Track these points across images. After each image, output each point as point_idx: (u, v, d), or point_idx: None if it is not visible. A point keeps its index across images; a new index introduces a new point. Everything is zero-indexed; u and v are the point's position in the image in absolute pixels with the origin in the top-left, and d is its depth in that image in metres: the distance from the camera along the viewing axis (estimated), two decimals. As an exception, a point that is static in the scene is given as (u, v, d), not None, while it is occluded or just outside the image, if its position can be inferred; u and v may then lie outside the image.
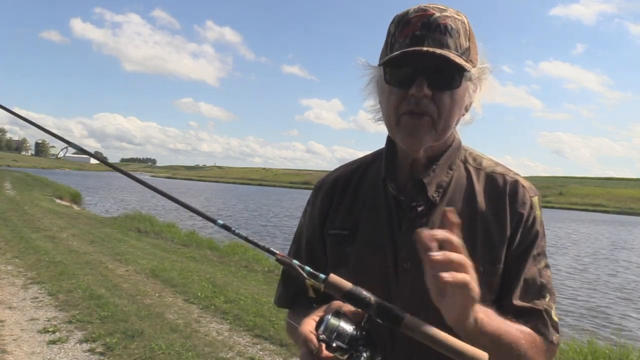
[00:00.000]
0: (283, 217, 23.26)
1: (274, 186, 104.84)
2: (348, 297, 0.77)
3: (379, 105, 0.98)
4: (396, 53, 0.85)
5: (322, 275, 0.78)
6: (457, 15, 0.89)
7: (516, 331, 0.84)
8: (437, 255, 0.65)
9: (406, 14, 0.90)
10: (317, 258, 1.05)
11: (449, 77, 0.87)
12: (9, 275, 6.13)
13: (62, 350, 3.82)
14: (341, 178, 1.07)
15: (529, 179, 1.00)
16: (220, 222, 0.83)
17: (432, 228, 0.92)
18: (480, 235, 0.92)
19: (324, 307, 0.83)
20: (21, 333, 4.15)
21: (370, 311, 0.76)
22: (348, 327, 0.76)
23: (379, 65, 0.91)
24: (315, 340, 0.76)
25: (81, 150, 0.95)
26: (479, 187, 0.96)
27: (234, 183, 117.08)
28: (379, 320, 0.76)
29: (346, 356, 0.75)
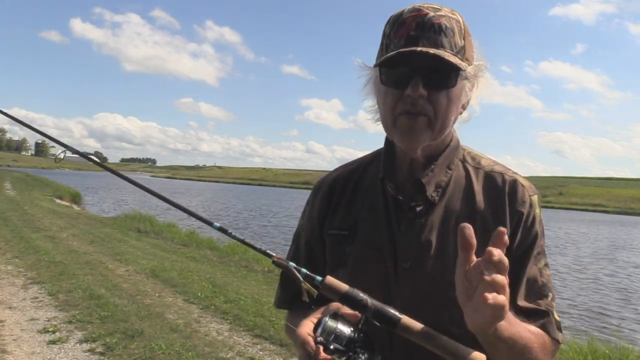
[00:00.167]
0: (283, 217, 23.25)
1: (274, 186, 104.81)
2: (344, 299, 0.77)
3: (377, 106, 0.98)
4: (391, 54, 0.85)
5: (319, 278, 0.78)
6: (452, 14, 0.89)
7: (529, 334, 0.84)
8: (488, 277, 0.66)
9: (401, 14, 0.90)
10: (316, 258, 1.05)
11: (445, 77, 0.87)
12: (9, 275, 6.13)
13: (62, 350, 3.82)
14: (340, 178, 1.07)
15: (529, 179, 1.00)
16: (217, 224, 0.83)
17: (431, 228, 0.92)
18: (479, 235, 0.91)
19: (322, 309, 0.83)
20: (21, 333, 4.15)
21: (367, 313, 0.76)
22: (346, 329, 0.76)
23: (374, 66, 0.91)
24: (312, 343, 0.76)
25: (78, 153, 0.95)
26: (478, 187, 0.96)
27: (234, 183, 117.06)
28: (375, 322, 0.76)
29: (344, 358, 0.75)
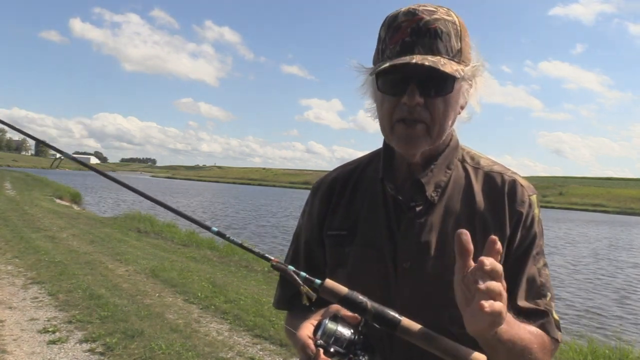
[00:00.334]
0: (282, 217, 23.25)
1: (274, 186, 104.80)
2: (344, 302, 0.77)
3: (375, 106, 0.98)
4: (384, 66, 0.84)
5: (318, 281, 0.78)
6: (448, 16, 0.88)
7: (529, 334, 0.85)
8: (482, 285, 0.66)
9: (396, 17, 0.89)
10: (315, 258, 1.05)
11: (441, 84, 0.86)
12: (9, 275, 6.13)
13: (62, 350, 3.82)
14: (339, 178, 1.07)
15: (529, 178, 1.00)
16: (215, 229, 0.83)
17: (431, 228, 0.92)
18: (479, 235, 0.91)
19: (321, 311, 0.83)
20: (21, 333, 4.15)
21: (367, 316, 0.76)
22: (346, 332, 0.76)
23: (370, 75, 0.91)
24: (312, 345, 0.76)
25: (74, 160, 0.95)
26: (477, 187, 0.96)
27: (233, 183, 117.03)
28: (375, 324, 0.76)
29: None
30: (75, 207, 19.74)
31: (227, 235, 0.83)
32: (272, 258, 0.80)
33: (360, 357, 0.75)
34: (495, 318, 0.68)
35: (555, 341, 0.91)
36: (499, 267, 0.68)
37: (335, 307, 0.80)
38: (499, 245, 0.69)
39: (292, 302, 1.07)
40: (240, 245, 0.83)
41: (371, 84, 0.94)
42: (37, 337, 4.08)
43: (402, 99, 0.86)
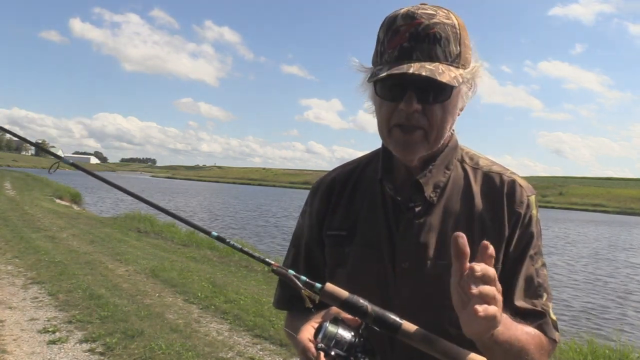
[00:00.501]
0: (282, 217, 23.25)
1: (274, 186, 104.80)
2: (345, 306, 0.77)
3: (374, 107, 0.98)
4: (382, 75, 0.84)
5: (318, 285, 0.78)
6: (447, 19, 0.87)
7: (526, 335, 0.85)
8: (474, 290, 0.66)
9: (395, 20, 0.88)
10: (315, 258, 1.05)
11: (439, 91, 0.85)
12: (9, 275, 6.13)
13: (62, 350, 3.82)
14: (339, 179, 1.07)
15: (529, 178, 1.00)
16: (215, 233, 0.83)
17: (430, 228, 0.93)
18: (478, 235, 0.92)
19: (322, 313, 0.83)
20: (21, 333, 4.15)
21: (368, 320, 0.76)
22: (346, 334, 0.76)
23: (368, 81, 0.90)
24: (313, 349, 0.76)
25: (72, 165, 0.95)
26: (476, 187, 0.96)
27: (233, 183, 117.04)
28: (376, 328, 0.76)
29: None
30: (75, 207, 19.74)
31: (228, 240, 0.84)
32: (273, 262, 0.80)
33: None
34: (490, 322, 0.68)
35: (553, 341, 0.91)
36: (491, 271, 0.68)
37: (336, 309, 0.80)
38: (491, 249, 0.69)
39: (292, 302, 1.07)
40: (241, 250, 0.84)
41: (369, 86, 0.94)
42: (37, 337, 4.08)
43: (399, 105, 0.86)
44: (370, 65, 0.93)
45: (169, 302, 5.36)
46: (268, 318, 4.83)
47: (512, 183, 0.95)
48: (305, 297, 0.78)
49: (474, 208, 0.94)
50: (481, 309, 0.66)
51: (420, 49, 0.84)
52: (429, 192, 0.94)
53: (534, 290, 0.92)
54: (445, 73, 0.82)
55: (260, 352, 4.05)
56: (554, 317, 0.92)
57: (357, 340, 0.76)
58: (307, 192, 1.13)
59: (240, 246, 0.85)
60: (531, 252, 0.93)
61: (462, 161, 1.00)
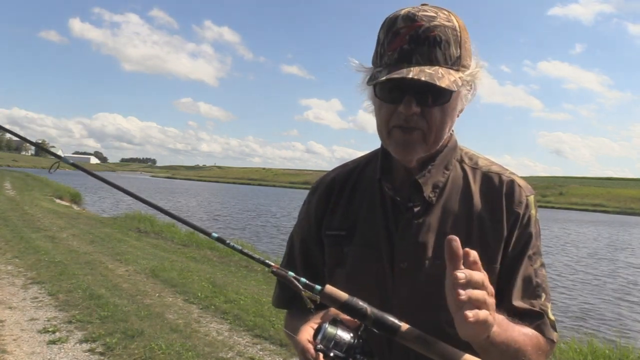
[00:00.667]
0: (282, 217, 23.25)
1: (274, 186, 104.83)
2: (344, 308, 0.78)
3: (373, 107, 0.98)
4: (381, 79, 0.84)
5: (318, 287, 0.79)
6: (448, 21, 0.86)
7: (523, 336, 0.85)
8: (463, 295, 0.67)
9: (395, 21, 0.87)
10: (313, 257, 1.06)
11: (438, 94, 0.85)
12: (9, 275, 6.13)
13: (62, 350, 3.82)
14: (338, 179, 1.07)
15: (529, 179, 1.01)
16: (215, 234, 0.84)
17: (428, 228, 0.93)
18: (476, 235, 0.92)
19: (321, 314, 0.83)
20: (21, 333, 4.15)
21: (367, 322, 0.77)
22: (345, 336, 0.77)
23: (368, 84, 0.90)
24: (312, 350, 0.77)
25: (72, 165, 0.95)
26: (475, 187, 0.96)
27: (233, 183, 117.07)
28: (375, 330, 0.77)
29: None
30: (75, 207, 19.74)
31: (228, 241, 0.84)
32: (273, 264, 0.81)
33: None
34: (481, 326, 0.68)
35: (551, 342, 0.91)
36: (478, 276, 0.68)
37: (335, 310, 0.80)
38: (473, 256, 0.69)
39: (292, 302, 1.07)
40: (241, 251, 0.84)
41: (369, 86, 0.94)
42: (37, 337, 4.08)
43: (399, 107, 0.86)
44: (370, 65, 0.93)
45: (169, 302, 5.37)
46: (268, 318, 4.83)
47: (511, 183, 0.95)
48: (305, 298, 0.79)
49: (473, 208, 0.94)
50: (471, 314, 0.66)
51: (420, 52, 0.84)
52: (427, 192, 0.95)
53: (532, 290, 0.92)
54: (444, 77, 0.82)
55: (260, 352, 4.05)
56: (552, 317, 0.92)
57: (356, 341, 0.77)
58: (307, 192, 1.13)
59: (240, 247, 0.85)
60: (530, 252, 0.93)
61: (461, 161, 1.00)
